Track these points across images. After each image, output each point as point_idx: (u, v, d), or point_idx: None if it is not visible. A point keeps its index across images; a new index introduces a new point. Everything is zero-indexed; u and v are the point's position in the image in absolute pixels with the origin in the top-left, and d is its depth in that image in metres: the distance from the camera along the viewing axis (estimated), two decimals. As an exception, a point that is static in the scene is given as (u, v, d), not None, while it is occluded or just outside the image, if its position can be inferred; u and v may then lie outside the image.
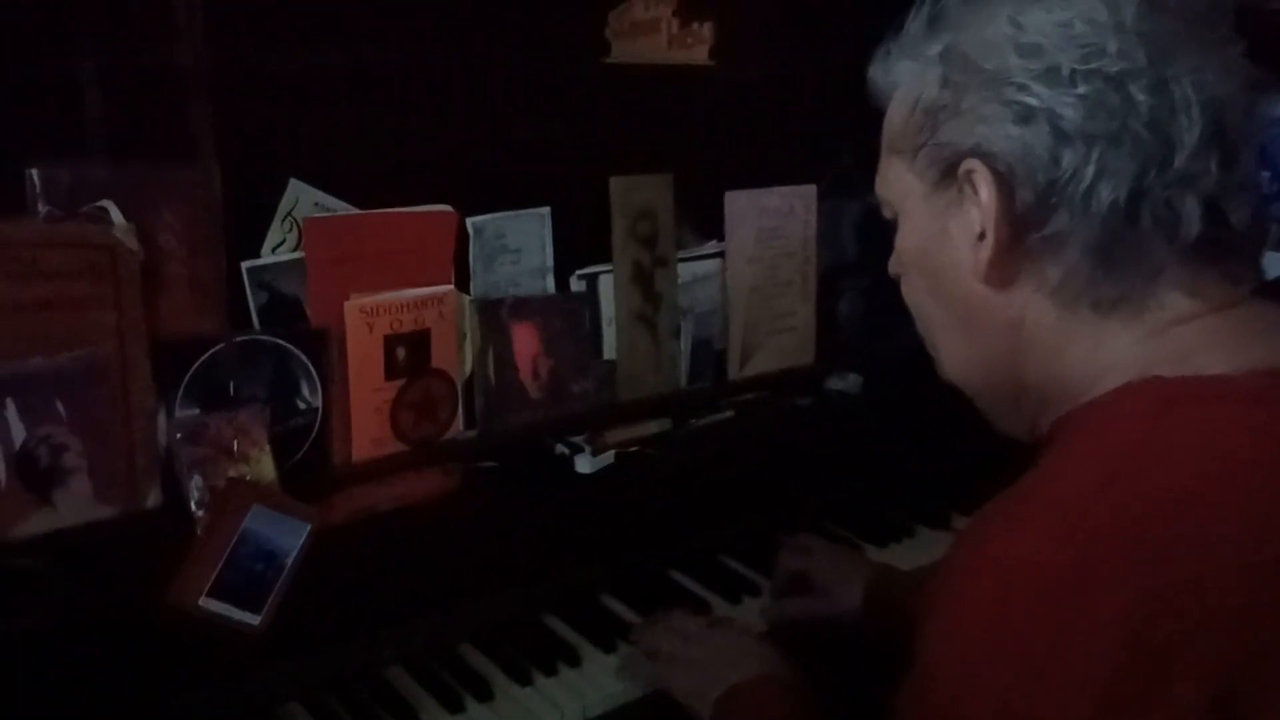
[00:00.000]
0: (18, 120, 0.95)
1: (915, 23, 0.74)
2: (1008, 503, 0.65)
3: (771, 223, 1.46)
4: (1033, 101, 0.66)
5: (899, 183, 0.76)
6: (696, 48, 1.37)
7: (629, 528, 1.28)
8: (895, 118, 0.76)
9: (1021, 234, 0.68)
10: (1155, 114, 0.64)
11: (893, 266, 0.81)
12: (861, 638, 1.15)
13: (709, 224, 1.44)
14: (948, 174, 0.71)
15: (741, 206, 1.43)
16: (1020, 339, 0.73)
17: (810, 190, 1.49)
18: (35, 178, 0.95)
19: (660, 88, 1.36)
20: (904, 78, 0.74)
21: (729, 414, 1.43)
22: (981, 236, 0.69)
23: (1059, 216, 0.67)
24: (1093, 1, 0.66)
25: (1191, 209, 0.65)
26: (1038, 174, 0.66)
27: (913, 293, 0.80)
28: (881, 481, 1.49)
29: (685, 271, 1.41)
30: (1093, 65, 0.65)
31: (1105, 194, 0.65)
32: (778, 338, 1.50)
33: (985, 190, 0.68)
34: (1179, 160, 0.64)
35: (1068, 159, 0.65)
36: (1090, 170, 0.65)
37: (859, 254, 1.57)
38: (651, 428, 1.35)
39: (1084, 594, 0.58)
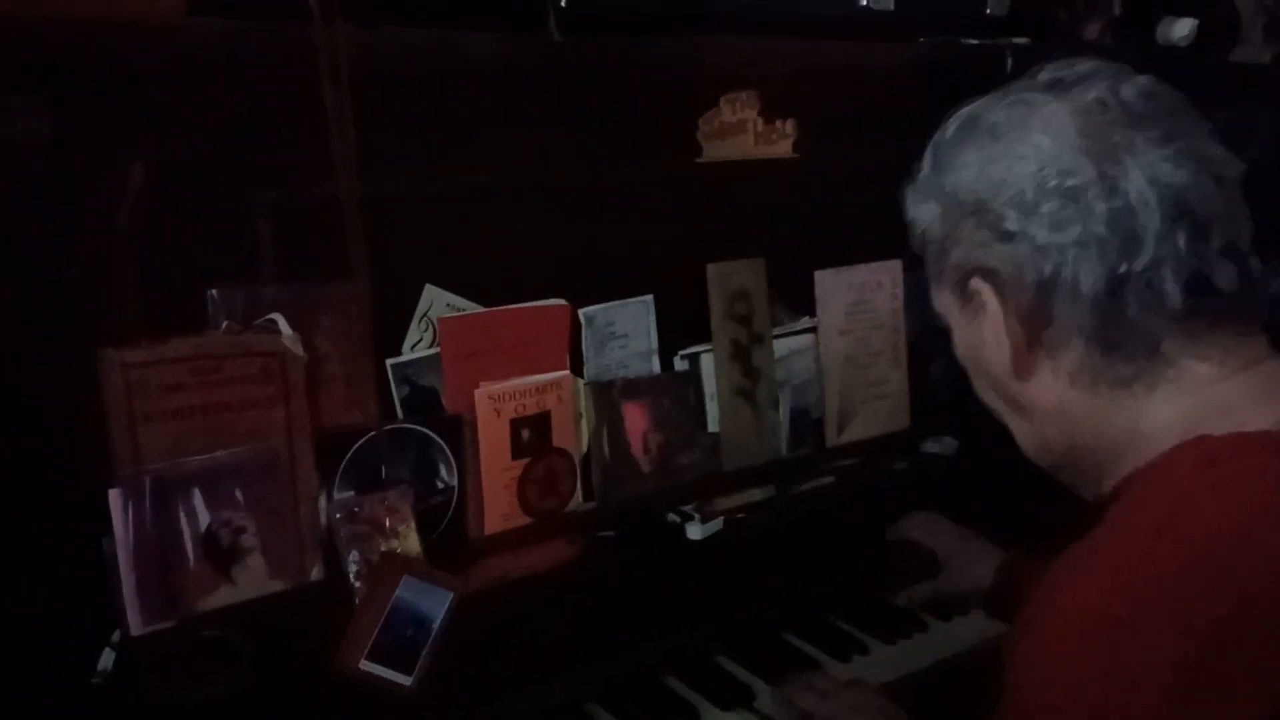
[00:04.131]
0: (200, 249, 1.08)
1: (924, 165, 0.86)
2: (1075, 556, 0.72)
3: (860, 297, 1.52)
4: (1009, 225, 0.76)
5: (941, 302, 0.87)
6: (781, 143, 1.45)
7: (740, 590, 1.33)
8: (923, 250, 0.87)
9: (1033, 332, 0.78)
10: (1114, 215, 0.73)
11: (970, 377, 0.90)
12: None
13: (801, 301, 1.50)
14: (964, 289, 0.81)
15: (831, 284, 1.50)
16: (1065, 421, 0.81)
17: (895, 265, 1.55)
18: (216, 297, 1.07)
19: (749, 181, 1.43)
20: (921, 216, 0.86)
21: (829, 479, 1.47)
22: (1000, 338, 0.79)
23: (1057, 313, 0.76)
24: (1038, 135, 0.76)
25: (1171, 285, 0.72)
26: (1028, 280, 0.76)
27: (980, 390, 0.89)
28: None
29: (781, 347, 1.47)
30: (1049, 185, 0.74)
31: (1087, 288, 0.74)
32: (872, 405, 1.55)
33: (990, 300, 0.79)
34: (1147, 247, 0.72)
35: (1049, 267, 0.75)
36: (1068, 272, 0.74)
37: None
38: (756, 494, 1.40)
39: (1138, 638, 0.64)
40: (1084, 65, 0.79)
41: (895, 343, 1.57)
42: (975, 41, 1.55)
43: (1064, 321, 0.76)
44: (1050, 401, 0.80)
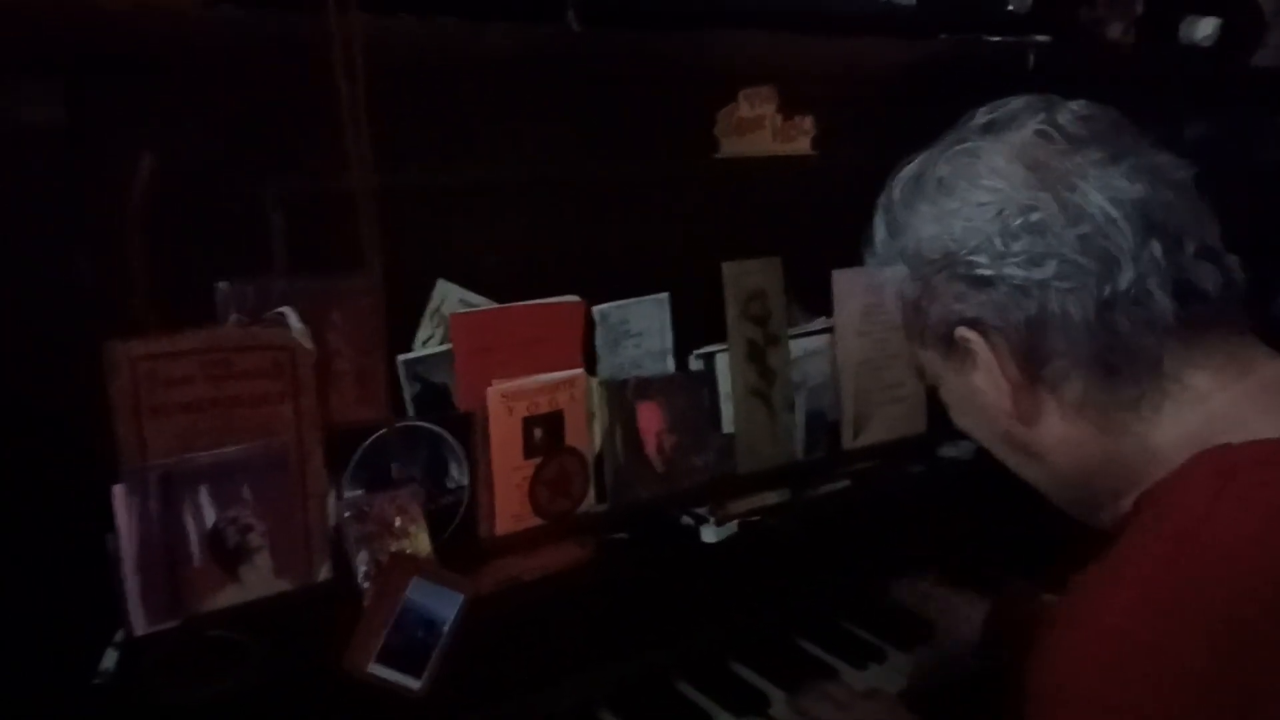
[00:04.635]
0: (209, 241, 1.05)
1: (879, 231, 0.86)
2: (1097, 571, 0.71)
3: (878, 298, 1.48)
4: (983, 271, 0.75)
5: (925, 359, 0.86)
6: (799, 139, 1.43)
7: (754, 595, 1.31)
8: (897, 314, 0.87)
9: (1031, 370, 0.77)
10: (1085, 240, 0.72)
11: (962, 429, 0.89)
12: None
13: (818, 302, 1.48)
14: (951, 343, 0.80)
15: (848, 284, 1.47)
16: (1076, 453, 0.79)
17: (914, 265, 1.54)
18: (225, 290, 1.05)
19: (767, 177, 1.41)
20: (887, 280, 0.85)
21: (845, 483, 1.45)
22: (998, 383, 0.78)
23: (1052, 348, 0.75)
24: (989, 179, 0.76)
25: (1160, 297, 0.72)
26: (1016, 322, 0.75)
27: (980, 438, 0.88)
28: (1000, 547, 1.49)
29: (797, 347, 1.45)
30: (1014, 225, 0.74)
31: (1077, 317, 0.73)
32: (889, 408, 1.53)
33: (980, 348, 0.78)
34: (1125, 265, 0.72)
35: (1033, 305, 0.74)
36: (1054, 305, 0.73)
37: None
38: (771, 498, 1.38)
39: (1162, 655, 0.63)
40: (1015, 102, 0.80)
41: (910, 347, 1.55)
42: (997, 39, 1.52)
43: (1061, 355, 0.75)
44: (1057, 437, 0.79)
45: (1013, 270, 0.74)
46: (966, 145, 0.79)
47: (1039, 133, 0.76)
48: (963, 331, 0.78)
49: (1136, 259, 0.72)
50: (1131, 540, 0.71)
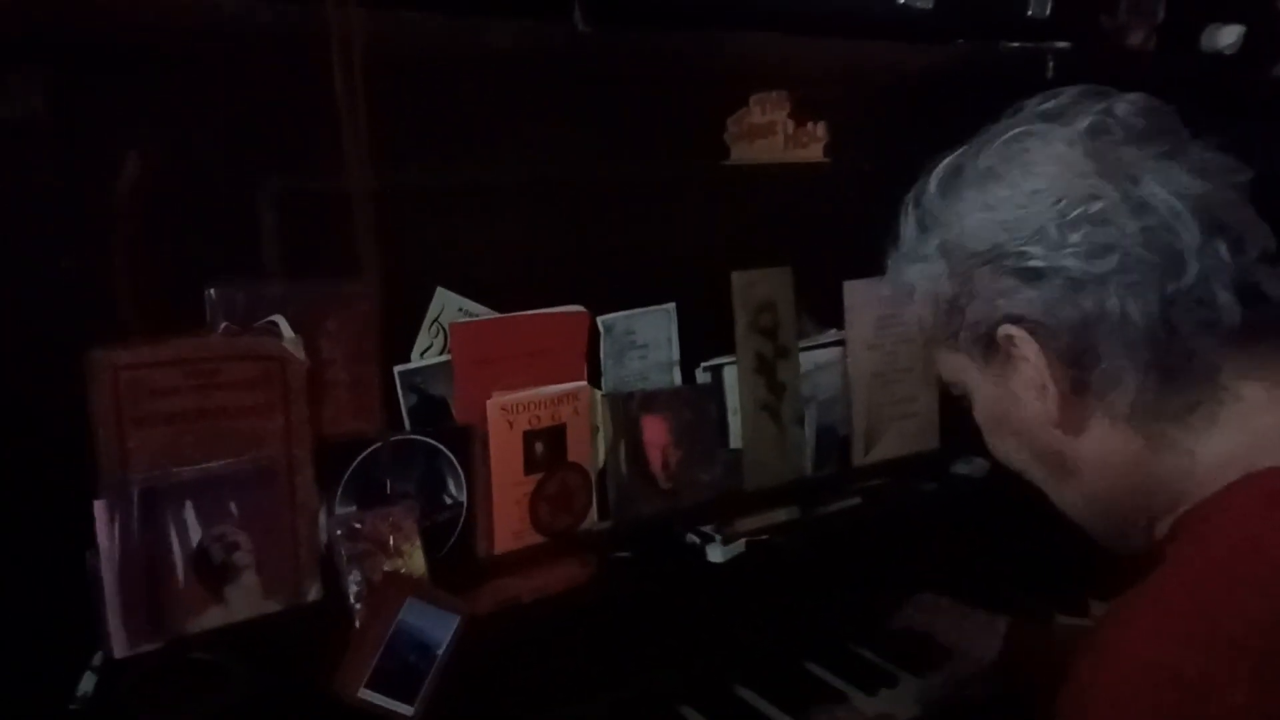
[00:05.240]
0: (198, 245, 1.03)
1: (907, 228, 0.81)
2: (1136, 601, 0.67)
3: (890, 310, 1.47)
4: (1036, 263, 0.71)
5: (955, 366, 0.82)
6: (812, 146, 1.41)
7: (761, 616, 1.29)
8: (925, 315, 0.82)
9: (1080, 374, 0.73)
10: (1148, 233, 0.69)
11: (990, 444, 0.84)
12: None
13: (829, 313, 1.46)
14: (991, 345, 0.76)
15: (860, 295, 1.45)
16: (1113, 471, 0.75)
17: (928, 276, 1.51)
18: (214, 296, 1.02)
19: (778, 185, 1.39)
20: (917, 279, 0.80)
21: (855, 500, 1.42)
22: (1044, 387, 0.74)
23: (1105, 349, 0.71)
24: (1045, 166, 0.72)
25: (1225, 299, 0.69)
26: (1066, 320, 0.71)
27: (1010, 454, 0.83)
28: (1013, 567, 1.46)
29: (807, 360, 1.43)
30: (1073, 215, 0.70)
31: (1137, 316, 0.69)
32: (901, 423, 1.51)
33: (1028, 348, 0.73)
34: (1190, 262, 0.68)
35: (1089, 300, 0.70)
36: (1113, 302, 0.69)
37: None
38: (780, 515, 1.36)
39: (1210, 696, 0.60)
40: (1068, 92, 0.77)
41: (926, 359, 1.51)
42: (1015, 45, 1.49)
43: (1113, 358, 0.71)
44: (1100, 450, 0.75)
45: (1070, 262, 0.70)
46: (1017, 132, 0.75)
47: (1097, 123, 0.73)
48: (1008, 329, 0.74)
49: (1200, 256, 0.68)
50: (1172, 570, 0.68)
